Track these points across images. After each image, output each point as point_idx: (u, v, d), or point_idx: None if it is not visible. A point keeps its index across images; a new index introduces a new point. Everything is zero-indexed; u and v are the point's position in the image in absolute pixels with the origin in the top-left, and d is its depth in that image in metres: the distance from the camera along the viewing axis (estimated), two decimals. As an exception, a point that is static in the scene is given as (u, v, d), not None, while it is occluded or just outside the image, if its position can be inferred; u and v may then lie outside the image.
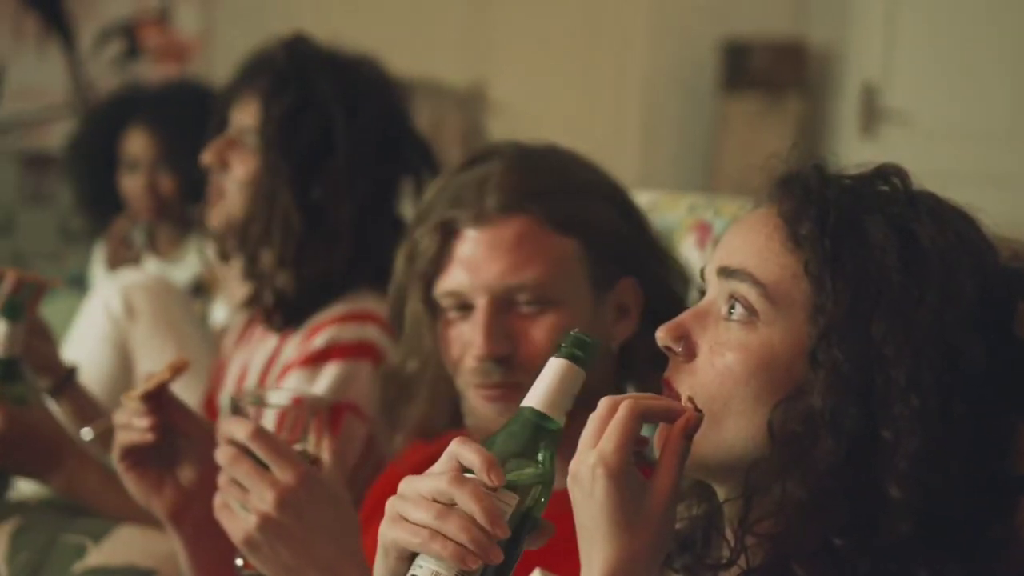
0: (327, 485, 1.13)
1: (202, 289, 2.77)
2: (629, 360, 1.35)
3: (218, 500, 1.14)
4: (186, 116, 2.77)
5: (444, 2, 5.48)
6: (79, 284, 3.63)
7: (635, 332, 1.35)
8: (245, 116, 1.79)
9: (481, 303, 1.32)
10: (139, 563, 1.56)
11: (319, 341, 1.70)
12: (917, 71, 4.49)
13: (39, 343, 1.73)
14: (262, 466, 1.10)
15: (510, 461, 0.95)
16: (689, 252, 1.57)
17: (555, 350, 0.97)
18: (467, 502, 0.91)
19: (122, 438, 1.31)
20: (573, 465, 0.96)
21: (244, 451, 1.10)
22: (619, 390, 1.34)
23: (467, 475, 0.93)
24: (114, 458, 1.34)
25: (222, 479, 1.13)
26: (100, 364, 2.21)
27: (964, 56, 4.46)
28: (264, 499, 1.10)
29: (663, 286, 1.37)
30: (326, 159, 1.74)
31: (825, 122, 5.22)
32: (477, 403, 1.34)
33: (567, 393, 0.96)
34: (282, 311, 1.76)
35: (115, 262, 2.84)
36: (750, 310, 1.00)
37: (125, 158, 2.86)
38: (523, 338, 1.31)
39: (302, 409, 1.15)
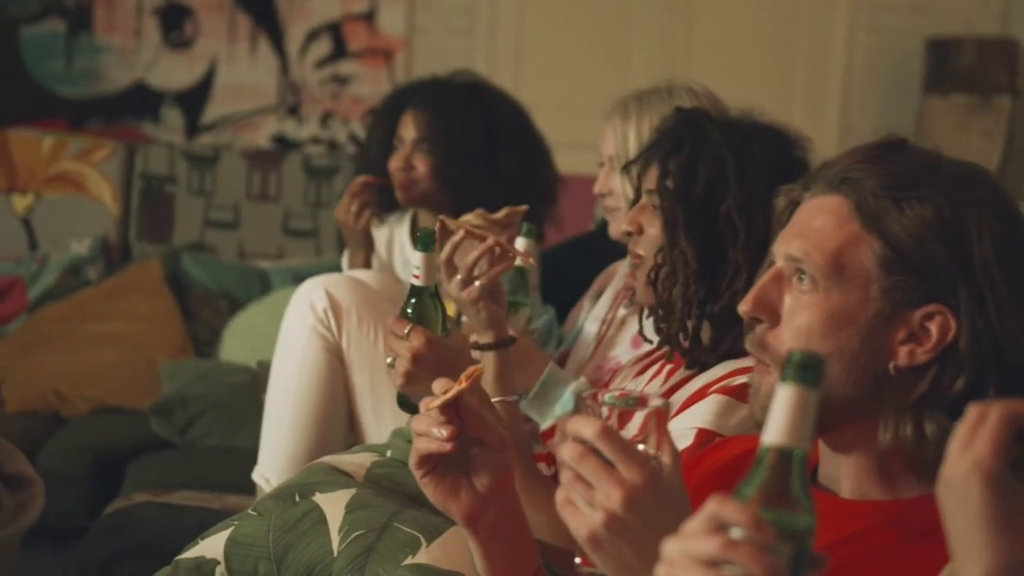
0: (670, 486, 1.13)
1: None
2: (908, 389, 1.29)
3: (561, 495, 1.13)
4: (452, 103, 2.81)
5: (644, 9, 5.48)
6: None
7: (924, 363, 1.28)
8: (649, 182, 1.91)
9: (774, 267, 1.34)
10: (467, 574, 1.58)
11: (738, 381, 1.75)
12: None
13: (491, 302, 1.91)
14: (608, 465, 1.11)
15: (772, 509, 0.93)
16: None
17: (782, 376, 0.95)
18: (747, 564, 0.90)
19: (421, 446, 1.32)
20: (945, 471, 0.96)
21: (591, 449, 1.11)
22: (894, 414, 1.29)
23: (735, 532, 0.92)
24: (411, 464, 1.36)
25: (566, 475, 1.12)
26: (311, 358, 2.25)
27: None
28: (611, 497, 1.09)
29: (988, 334, 1.27)
30: (720, 203, 1.83)
31: (1035, 122, 5.08)
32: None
33: (807, 420, 0.94)
34: (698, 352, 1.84)
35: (342, 214, 2.84)
36: None
37: (396, 140, 2.90)
38: (784, 311, 1.32)
39: (644, 410, 1.15)
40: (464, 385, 1.31)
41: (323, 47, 5.28)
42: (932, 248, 1.28)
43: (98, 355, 3.52)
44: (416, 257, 1.73)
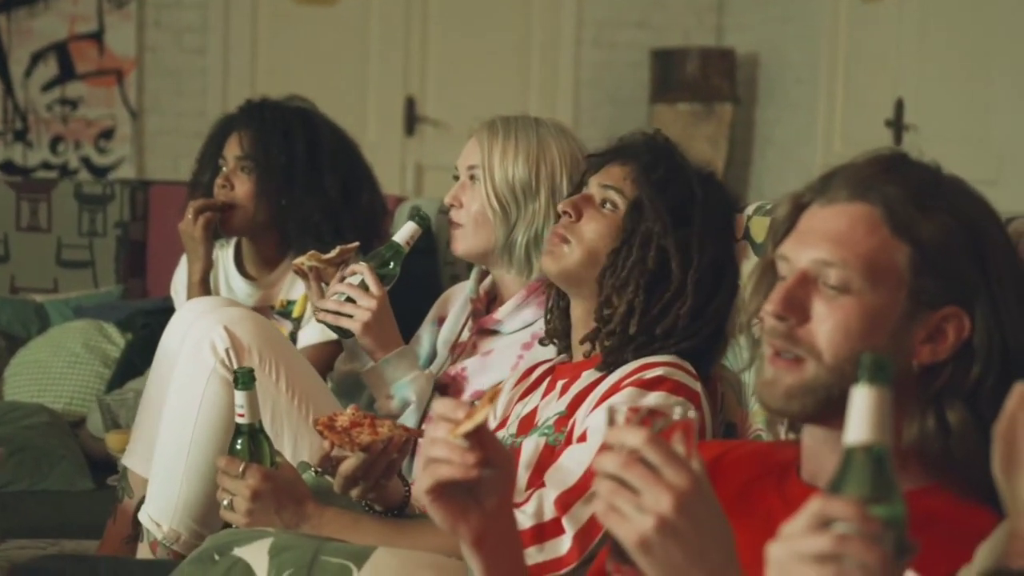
0: (709, 490, 1.16)
1: (290, 314, 2.75)
2: (927, 385, 1.39)
3: (602, 505, 1.15)
4: (275, 122, 2.77)
5: (381, 26, 5.53)
6: (84, 311, 3.57)
7: (943, 361, 1.38)
8: (611, 178, 1.95)
9: (795, 269, 1.39)
10: None
11: (652, 373, 1.81)
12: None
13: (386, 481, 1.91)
14: (654, 471, 1.13)
15: (872, 505, 0.99)
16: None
17: (858, 377, 1.02)
18: (861, 556, 0.98)
19: (440, 472, 1.29)
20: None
21: (636, 458, 1.13)
22: (919, 409, 1.39)
23: (840, 527, 0.99)
24: (420, 491, 1.32)
25: (607, 485, 1.14)
26: (209, 402, 2.18)
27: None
28: (661, 502, 1.12)
29: (1002, 334, 1.39)
30: (684, 227, 1.89)
31: (754, 128, 5.44)
32: (766, 362, 1.41)
33: (887, 416, 1.02)
34: (619, 353, 1.87)
35: (183, 225, 2.75)
36: None
37: (221, 161, 2.83)
38: (813, 314, 1.37)
39: (658, 420, 1.18)
40: (488, 408, 1.28)
41: (50, 69, 5.05)
42: (957, 253, 1.39)
43: None
44: (238, 396, 1.79)
